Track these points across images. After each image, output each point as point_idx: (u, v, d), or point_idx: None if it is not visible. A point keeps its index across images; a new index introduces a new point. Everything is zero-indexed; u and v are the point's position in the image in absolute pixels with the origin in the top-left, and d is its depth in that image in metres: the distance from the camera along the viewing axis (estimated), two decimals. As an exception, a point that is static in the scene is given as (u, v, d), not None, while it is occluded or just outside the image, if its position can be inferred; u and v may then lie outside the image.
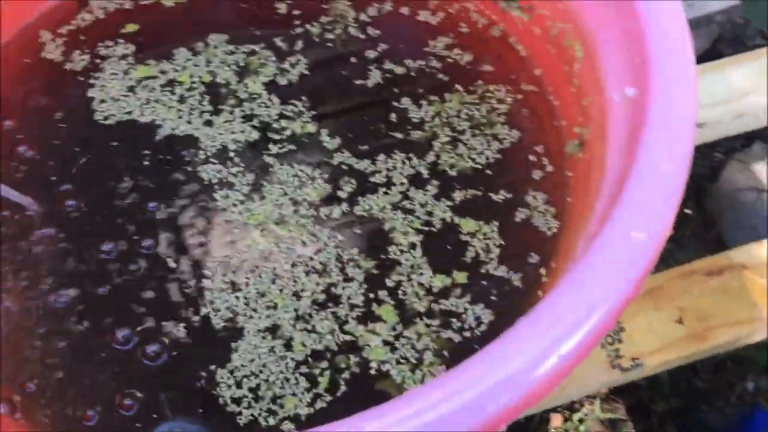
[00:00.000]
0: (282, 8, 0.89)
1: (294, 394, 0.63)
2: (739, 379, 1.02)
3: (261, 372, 0.64)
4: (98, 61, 0.85)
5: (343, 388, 0.63)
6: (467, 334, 0.66)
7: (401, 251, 0.70)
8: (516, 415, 0.44)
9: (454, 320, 0.67)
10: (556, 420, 0.93)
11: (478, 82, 0.83)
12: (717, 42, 1.27)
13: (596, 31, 0.71)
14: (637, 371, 0.79)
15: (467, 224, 0.72)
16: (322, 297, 0.67)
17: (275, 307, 0.67)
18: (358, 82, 0.82)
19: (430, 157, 0.76)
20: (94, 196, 0.75)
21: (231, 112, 0.80)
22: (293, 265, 0.69)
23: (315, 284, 0.68)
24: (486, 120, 0.79)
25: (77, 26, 0.88)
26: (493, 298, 0.68)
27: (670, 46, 0.61)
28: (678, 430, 0.99)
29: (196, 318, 0.67)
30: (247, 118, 0.80)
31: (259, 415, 0.62)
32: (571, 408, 0.93)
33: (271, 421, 0.62)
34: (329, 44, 0.86)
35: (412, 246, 0.71)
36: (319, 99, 0.81)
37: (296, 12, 0.89)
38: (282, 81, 0.83)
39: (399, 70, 0.83)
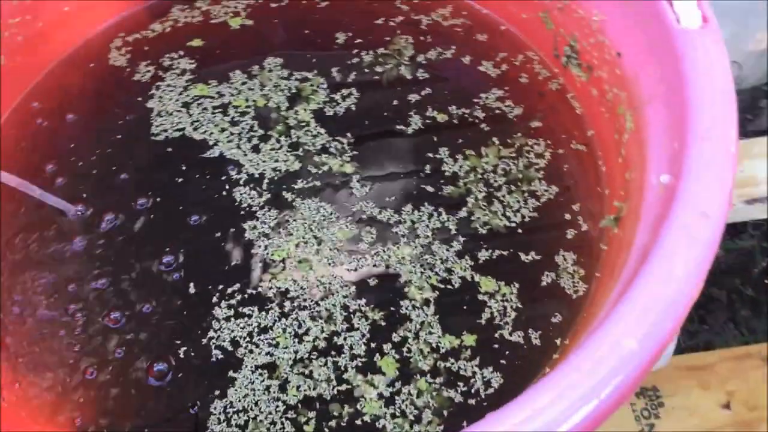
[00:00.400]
0: (341, 38, 0.90)
1: (277, 440, 0.63)
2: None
3: (252, 409, 0.64)
4: (161, 73, 0.88)
5: (328, 438, 0.63)
6: (472, 397, 0.65)
7: (414, 307, 0.69)
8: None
9: (459, 382, 0.66)
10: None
11: (517, 135, 0.81)
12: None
13: (646, 105, 0.69)
14: (670, 453, 0.75)
15: (487, 283, 0.71)
16: (323, 344, 0.67)
17: (276, 345, 0.67)
18: (399, 127, 0.82)
19: (462, 213, 0.75)
20: (128, 207, 0.77)
21: (278, 140, 0.81)
22: (301, 307, 0.69)
23: (319, 330, 0.68)
24: (523, 175, 0.78)
25: (146, 36, 0.92)
26: (503, 362, 0.67)
27: (710, 131, 0.58)
28: None
29: (203, 341, 0.68)
30: (293, 146, 0.81)
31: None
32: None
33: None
34: (377, 77, 0.87)
35: (426, 302, 0.70)
36: (361, 139, 0.81)
37: (357, 41, 0.90)
38: (330, 112, 0.84)
39: (441, 117, 0.82)
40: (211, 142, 0.82)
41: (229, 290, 0.71)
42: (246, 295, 0.71)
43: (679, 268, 0.51)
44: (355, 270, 0.72)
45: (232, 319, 0.69)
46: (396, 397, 0.65)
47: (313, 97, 0.85)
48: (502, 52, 0.88)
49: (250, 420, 0.64)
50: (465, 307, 0.70)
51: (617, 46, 0.74)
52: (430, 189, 0.77)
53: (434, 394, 0.65)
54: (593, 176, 0.79)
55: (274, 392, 0.65)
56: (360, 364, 0.67)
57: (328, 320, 0.69)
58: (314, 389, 0.65)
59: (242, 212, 0.76)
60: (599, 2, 0.76)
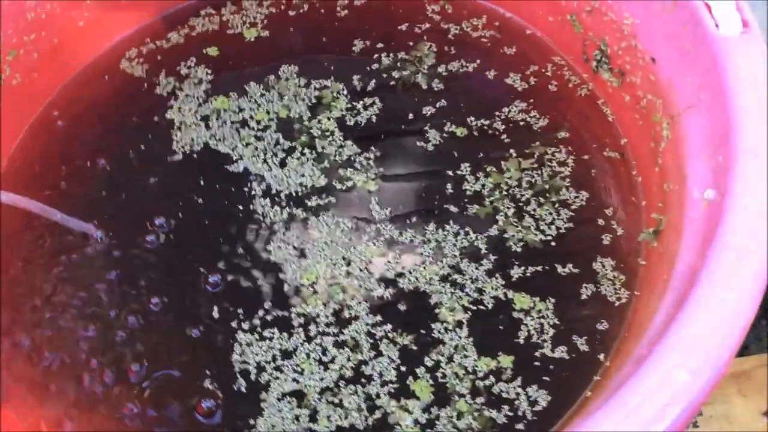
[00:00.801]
0: (359, 45, 0.88)
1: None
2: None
3: (285, 439, 0.63)
4: (178, 82, 0.87)
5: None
6: (519, 420, 0.64)
7: (446, 329, 0.68)
8: None
9: (502, 403, 0.65)
10: None
11: (535, 144, 0.79)
12: None
13: (684, 113, 0.66)
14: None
15: (521, 300, 0.69)
16: (350, 373, 0.66)
17: (301, 372, 0.66)
18: (420, 143, 0.80)
19: (492, 231, 0.73)
20: (150, 228, 0.76)
21: (303, 152, 0.80)
22: (325, 333, 0.68)
23: (346, 358, 0.66)
24: (549, 185, 0.76)
25: (161, 47, 0.91)
26: (546, 379, 0.66)
27: (758, 147, 0.56)
28: None
29: (232, 366, 0.67)
30: (318, 159, 0.79)
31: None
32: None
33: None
34: (395, 82, 0.85)
35: (458, 324, 0.68)
36: (385, 155, 0.80)
37: (378, 45, 0.89)
38: (352, 121, 0.83)
39: (460, 131, 0.81)
40: (235, 157, 0.80)
41: (259, 315, 0.70)
42: (271, 319, 0.69)
43: (733, 295, 0.49)
44: (382, 293, 0.70)
45: (258, 342, 0.68)
46: (436, 422, 0.63)
47: (334, 104, 0.84)
48: (531, 63, 0.86)
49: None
50: (500, 327, 0.68)
51: (651, 51, 0.72)
52: (453, 209, 0.75)
53: (476, 415, 0.64)
54: (626, 184, 0.77)
55: (303, 422, 0.64)
56: (392, 390, 0.65)
57: (354, 348, 0.67)
58: (345, 418, 0.64)
59: (269, 231, 0.75)
60: (630, 5, 0.73)
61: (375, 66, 0.87)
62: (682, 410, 0.45)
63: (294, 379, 0.66)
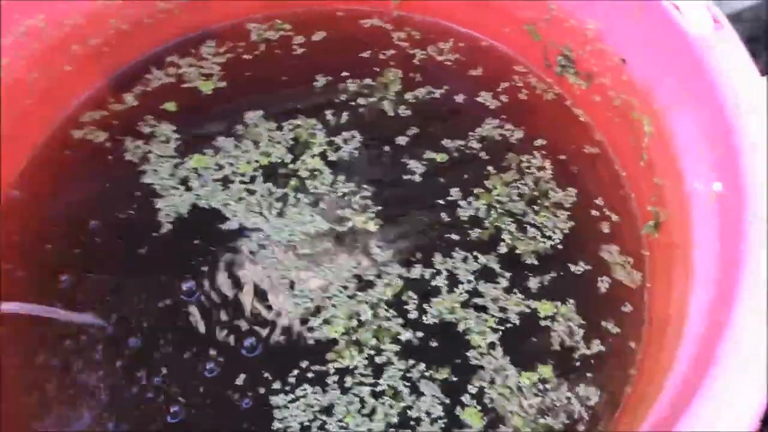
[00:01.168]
0: (321, 79, 0.89)
1: None
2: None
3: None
4: (145, 143, 0.84)
5: None
6: (578, 422, 0.67)
7: (481, 354, 0.70)
8: None
9: (557, 409, 0.67)
10: None
11: (508, 155, 0.82)
12: (749, 42, 1.25)
13: (667, 110, 0.70)
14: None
15: (544, 307, 0.72)
16: (395, 419, 0.67)
17: (347, 427, 0.66)
18: (406, 176, 0.81)
19: (502, 249, 0.76)
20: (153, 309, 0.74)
21: (296, 197, 0.79)
22: (362, 384, 0.69)
23: (389, 407, 0.67)
24: (539, 192, 0.79)
25: (117, 109, 0.87)
26: (589, 375, 0.69)
27: (758, 137, 0.60)
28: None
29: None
30: (313, 202, 0.79)
31: None
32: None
33: None
34: (361, 109, 0.86)
35: (491, 346, 0.70)
36: (376, 191, 0.80)
37: (344, 74, 0.89)
38: (334, 156, 0.83)
39: (440, 157, 0.82)
40: (229, 214, 0.79)
41: (294, 374, 0.69)
42: (307, 377, 0.69)
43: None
44: (410, 336, 0.71)
45: (295, 403, 0.67)
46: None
47: (313, 141, 0.84)
48: (499, 79, 0.88)
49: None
50: (533, 339, 0.71)
51: (620, 52, 0.76)
52: (455, 237, 0.76)
53: (533, 426, 0.66)
54: (610, 178, 0.81)
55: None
56: (444, 425, 0.66)
57: (395, 396, 0.68)
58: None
59: (281, 286, 0.74)
60: (593, 11, 0.76)
61: (343, 96, 0.87)
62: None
63: (341, 434, 0.66)
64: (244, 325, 0.72)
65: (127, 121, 0.86)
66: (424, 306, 0.72)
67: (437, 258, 0.75)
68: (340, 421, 0.66)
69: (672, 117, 0.70)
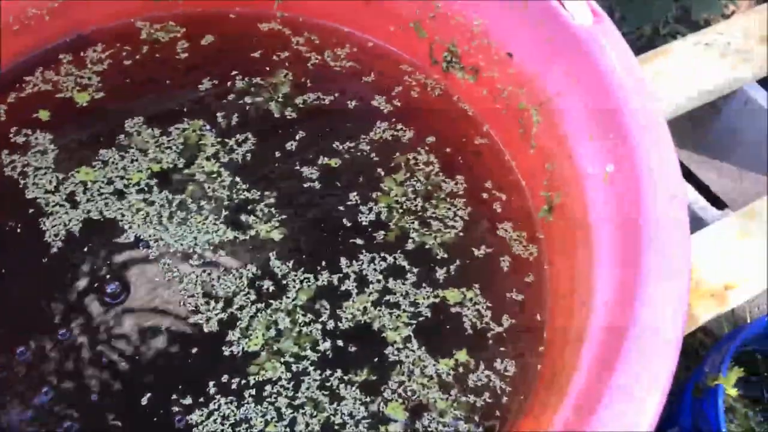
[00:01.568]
0: (206, 82, 0.87)
1: None
2: None
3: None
4: (20, 156, 0.78)
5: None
6: (496, 393, 0.69)
7: (398, 349, 0.71)
8: None
9: (477, 387, 0.70)
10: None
11: (395, 155, 0.84)
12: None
13: (555, 99, 0.74)
14: None
15: (452, 295, 0.74)
16: (318, 428, 0.67)
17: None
18: (307, 184, 0.81)
19: (409, 246, 0.77)
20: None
21: (196, 203, 0.77)
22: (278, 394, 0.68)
23: (309, 416, 0.67)
24: (431, 185, 0.82)
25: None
26: (503, 349, 0.72)
27: (645, 118, 0.65)
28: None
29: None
30: (214, 210, 0.77)
31: None
32: None
33: None
34: (247, 107, 0.85)
35: (407, 339, 0.71)
36: (278, 198, 0.79)
37: (233, 72, 0.88)
38: (227, 158, 0.81)
39: (334, 162, 0.82)
40: (125, 227, 0.75)
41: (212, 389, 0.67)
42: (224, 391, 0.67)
43: (678, 253, 0.58)
44: (325, 343, 0.70)
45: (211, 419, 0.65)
46: (428, 429, 0.67)
47: (203, 142, 0.81)
48: (388, 82, 0.90)
49: None
50: (447, 327, 0.73)
51: (506, 47, 0.79)
52: (360, 241, 0.77)
53: (457, 405, 0.68)
54: (498, 165, 0.84)
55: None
56: (368, 424, 0.67)
57: (316, 407, 0.67)
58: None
59: (189, 305, 0.71)
60: (479, 7, 0.80)
61: (230, 96, 0.86)
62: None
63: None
64: (155, 341, 0.69)
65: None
66: (337, 311, 0.72)
67: (343, 262, 0.75)
68: None
69: (559, 105, 0.74)
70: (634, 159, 0.64)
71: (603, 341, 0.60)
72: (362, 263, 0.75)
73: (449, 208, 0.80)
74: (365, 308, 0.72)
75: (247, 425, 0.65)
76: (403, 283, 0.74)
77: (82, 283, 0.72)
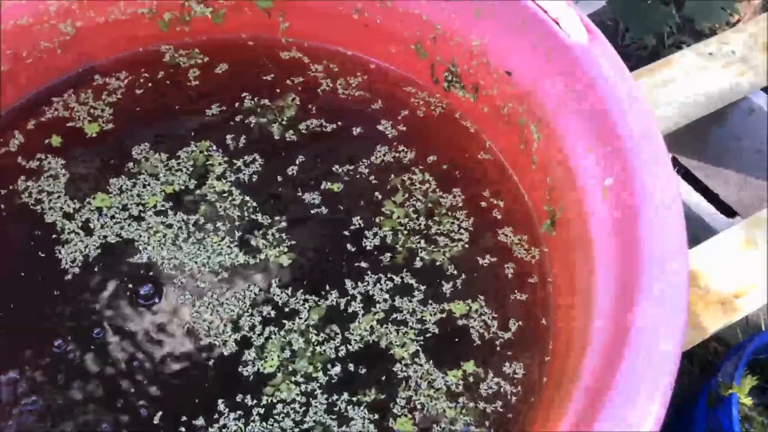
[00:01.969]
0: (214, 108, 0.89)
1: None
2: None
3: None
4: (33, 182, 0.81)
5: None
6: (504, 397, 0.71)
7: (406, 365, 0.72)
8: None
9: (488, 394, 0.71)
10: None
11: (391, 177, 0.85)
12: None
13: (555, 115, 0.76)
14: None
15: (458, 308, 0.76)
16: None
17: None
18: (313, 211, 0.82)
19: (417, 264, 0.79)
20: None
21: (215, 226, 0.79)
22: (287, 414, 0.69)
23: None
24: (431, 202, 0.83)
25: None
26: (509, 353, 0.74)
27: (640, 131, 0.66)
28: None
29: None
30: (228, 232, 0.79)
31: None
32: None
33: None
34: (252, 126, 0.87)
35: (415, 354, 0.72)
36: (288, 223, 0.81)
37: (244, 94, 0.90)
38: (234, 177, 0.83)
39: (336, 186, 0.84)
40: (141, 249, 0.78)
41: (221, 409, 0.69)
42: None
43: (675, 264, 0.59)
44: (339, 369, 0.72)
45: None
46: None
47: (210, 163, 0.84)
48: (392, 105, 0.91)
49: None
50: (456, 340, 0.74)
51: (505, 65, 0.81)
52: (364, 264, 0.78)
53: (466, 412, 0.70)
54: (498, 178, 0.86)
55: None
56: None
57: (326, 429, 0.69)
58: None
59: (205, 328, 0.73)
60: (476, 28, 0.81)
61: (238, 117, 0.88)
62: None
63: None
64: (172, 361, 0.71)
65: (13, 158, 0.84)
66: (345, 333, 0.73)
67: (348, 284, 0.77)
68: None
69: (558, 121, 0.76)
70: (630, 173, 0.65)
71: (603, 353, 0.61)
72: (367, 284, 0.77)
73: (453, 222, 0.81)
74: (372, 327, 0.74)
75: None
76: (410, 301, 0.76)
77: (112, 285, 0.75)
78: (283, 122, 0.88)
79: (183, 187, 0.82)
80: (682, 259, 0.59)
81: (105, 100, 0.89)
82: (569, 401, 0.62)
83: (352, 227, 0.81)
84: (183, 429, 0.67)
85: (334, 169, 0.85)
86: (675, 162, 1.28)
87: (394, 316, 0.75)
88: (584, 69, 0.71)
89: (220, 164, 0.84)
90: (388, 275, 0.77)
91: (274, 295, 0.75)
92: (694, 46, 1.13)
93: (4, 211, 0.79)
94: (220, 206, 0.81)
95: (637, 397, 0.54)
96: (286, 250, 0.79)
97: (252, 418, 0.68)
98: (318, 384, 0.70)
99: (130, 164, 0.84)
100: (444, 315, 0.75)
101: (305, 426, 0.68)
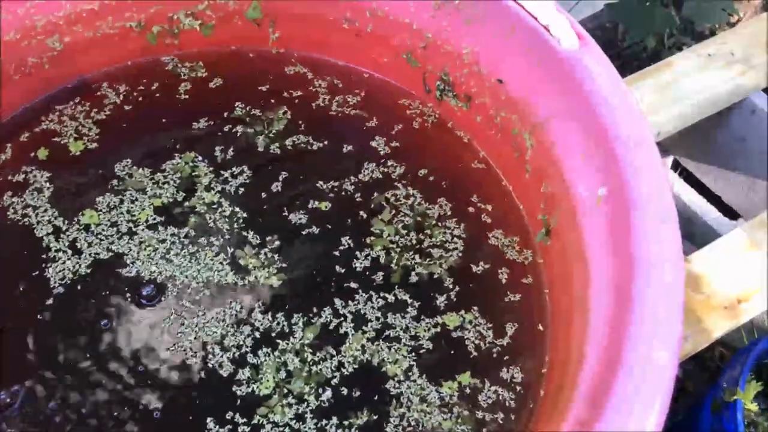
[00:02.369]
0: (202, 121, 0.89)
1: None
2: None
3: None
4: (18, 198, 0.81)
5: None
6: (503, 406, 0.70)
7: (399, 382, 0.71)
8: None
9: (486, 401, 0.70)
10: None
11: (373, 195, 0.83)
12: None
13: (547, 122, 0.75)
14: None
15: (451, 320, 0.75)
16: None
17: None
18: (306, 232, 0.81)
19: (413, 279, 0.78)
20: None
21: (209, 241, 0.78)
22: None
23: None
24: (419, 215, 0.82)
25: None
26: (506, 358, 0.73)
27: (633, 138, 0.65)
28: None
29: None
30: (221, 249, 0.78)
31: None
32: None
33: None
34: (238, 135, 0.87)
35: (408, 370, 0.72)
36: (280, 244, 0.80)
37: (237, 103, 0.90)
38: (220, 187, 0.83)
39: (324, 205, 0.82)
40: (131, 264, 0.77)
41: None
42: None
43: (669, 274, 0.58)
44: (318, 388, 0.70)
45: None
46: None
47: (196, 173, 0.83)
48: (386, 120, 0.90)
49: None
50: (452, 352, 0.73)
51: (496, 73, 0.79)
52: (354, 285, 0.77)
53: (460, 421, 0.69)
54: (494, 187, 0.85)
55: None
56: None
57: None
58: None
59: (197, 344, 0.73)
60: (466, 36, 0.80)
61: (226, 127, 0.87)
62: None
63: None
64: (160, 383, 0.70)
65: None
66: (336, 355, 0.72)
67: (338, 303, 0.75)
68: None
69: (551, 129, 0.75)
70: (623, 182, 0.64)
71: (599, 363, 0.60)
72: (358, 303, 0.75)
73: (445, 232, 0.80)
74: (363, 346, 0.73)
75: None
76: (403, 317, 0.75)
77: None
78: (271, 134, 0.87)
79: (171, 200, 0.81)
80: (677, 270, 0.58)
81: (93, 118, 0.88)
82: (568, 408, 0.61)
83: (342, 248, 0.79)
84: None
85: (323, 190, 0.84)
86: (677, 164, 1.26)
87: (387, 332, 0.74)
88: (576, 76, 0.70)
89: (206, 175, 0.83)
90: (381, 294, 0.76)
91: (256, 319, 0.75)
92: (694, 47, 1.12)
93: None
94: (210, 218, 0.80)
95: (635, 408, 0.53)
96: (275, 272, 0.77)
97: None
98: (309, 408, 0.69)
99: (114, 182, 0.83)
100: (438, 329, 0.74)
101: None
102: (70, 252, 0.77)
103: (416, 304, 0.75)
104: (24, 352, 0.71)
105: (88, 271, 0.76)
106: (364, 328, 0.74)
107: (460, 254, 0.79)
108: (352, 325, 0.74)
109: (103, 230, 0.79)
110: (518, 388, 0.71)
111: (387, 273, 0.77)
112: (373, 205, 0.82)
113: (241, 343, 0.72)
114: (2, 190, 0.81)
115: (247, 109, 0.89)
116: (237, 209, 0.81)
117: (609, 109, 0.67)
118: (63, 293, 0.75)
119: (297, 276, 0.77)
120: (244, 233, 0.79)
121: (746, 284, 0.89)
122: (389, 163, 0.86)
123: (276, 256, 0.78)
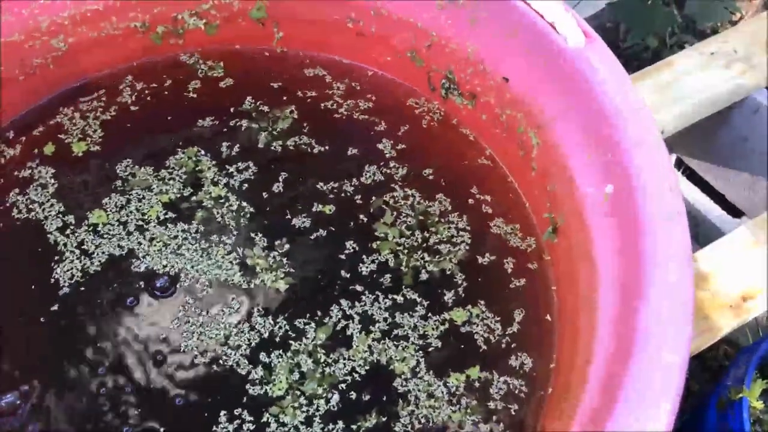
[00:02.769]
0: (207, 120, 0.89)
1: None
2: None
3: None
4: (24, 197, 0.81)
5: None
6: (514, 396, 0.70)
7: (406, 380, 0.71)
8: None
9: (495, 391, 0.71)
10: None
11: (371, 200, 0.83)
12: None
13: (553, 121, 0.75)
14: None
15: (458, 315, 0.75)
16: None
17: None
18: (312, 235, 0.81)
19: (423, 276, 0.77)
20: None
21: (220, 239, 0.78)
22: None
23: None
24: (422, 214, 0.81)
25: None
26: (515, 345, 0.73)
27: (640, 136, 0.65)
28: None
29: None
30: (229, 250, 0.78)
31: None
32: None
33: None
34: (243, 129, 0.87)
35: (416, 367, 0.72)
36: (287, 248, 0.79)
37: (248, 98, 0.90)
38: (225, 181, 0.83)
39: (328, 209, 0.82)
40: (142, 258, 0.77)
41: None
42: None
43: (674, 273, 0.58)
44: (337, 398, 0.70)
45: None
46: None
47: (200, 168, 0.83)
48: (393, 122, 0.89)
49: None
50: (462, 347, 0.73)
51: (502, 71, 0.80)
52: (359, 287, 0.76)
53: (471, 411, 0.69)
54: (500, 185, 0.85)
55: None
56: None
57: None
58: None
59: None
60: (471, 35, 0.80)
61: (232, 122, 0.88)
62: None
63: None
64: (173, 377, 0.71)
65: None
66: (346, 357, 0.72)
67: (344, 303, 0.75)
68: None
69: (557, 127, 0.75)
70: (630, 179, 0.64)
71: (608, 362, 0.60)
72: (365, 304, 0.75)
73: (449, 227, 0.80)
74: (370, 346, 0.73)
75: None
76: (412, 315, 0.75)
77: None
78: (275, 132, 0.87)
79: (179, 195, 0.81)
80: (685, 267, 0.58)
81: (99, 118, 0.88)
82: (579, 402, 0.61)
83: (347, 252, 0.79)
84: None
85: (327, 195, 0.83)
86: (681, 163, 1.26)
87: (396, 331, 0.74)
88: (582, 73, 0.70)
89: (209, 168, 0.83)
90: (390, 296, 0.76)
91: (260, 323, 0.75)
92: (696, 45, 1.12)
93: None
94: (218, 213, 0.80)
95: (644, 407, 0.53)
96: (282, 275, 0.77)
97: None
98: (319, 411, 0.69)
99: (118, 182, 0.83)
100: (446, 325, 0.74)
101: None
102: (79, 251, 0.77)
103: (425, 303, 0.75)
104: (36, 347, 0.72)
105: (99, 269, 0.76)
106: (370, 328, 0.74)
107: (468, 251, 0.79)
108: (358, 327, 0.74)
109: (114, 227, 0.79)
110: (527, 375, 0.71)
111: (397, 275, 0.77)
112: (378, 205, 0.82)
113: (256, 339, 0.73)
114: (9, 188, 0.82)
115: (256, 104, 0.89)
116: (244, 204, 0.81)
117: (615, 107, 0.67)
118: (68, 293, 0.75)
119: (305, 276, 0.77)
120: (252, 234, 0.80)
121: (751, 282, 0.89)
122: (392, 164, 0.85)
123: (284, 258, 0.78)
